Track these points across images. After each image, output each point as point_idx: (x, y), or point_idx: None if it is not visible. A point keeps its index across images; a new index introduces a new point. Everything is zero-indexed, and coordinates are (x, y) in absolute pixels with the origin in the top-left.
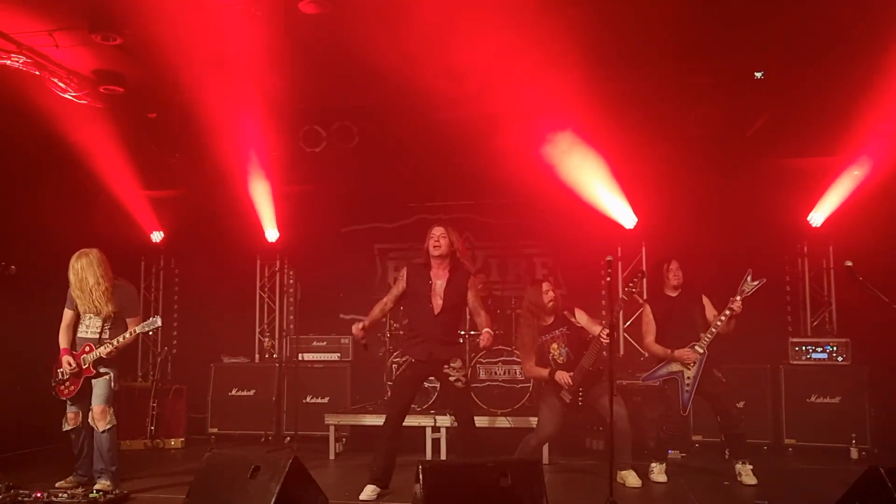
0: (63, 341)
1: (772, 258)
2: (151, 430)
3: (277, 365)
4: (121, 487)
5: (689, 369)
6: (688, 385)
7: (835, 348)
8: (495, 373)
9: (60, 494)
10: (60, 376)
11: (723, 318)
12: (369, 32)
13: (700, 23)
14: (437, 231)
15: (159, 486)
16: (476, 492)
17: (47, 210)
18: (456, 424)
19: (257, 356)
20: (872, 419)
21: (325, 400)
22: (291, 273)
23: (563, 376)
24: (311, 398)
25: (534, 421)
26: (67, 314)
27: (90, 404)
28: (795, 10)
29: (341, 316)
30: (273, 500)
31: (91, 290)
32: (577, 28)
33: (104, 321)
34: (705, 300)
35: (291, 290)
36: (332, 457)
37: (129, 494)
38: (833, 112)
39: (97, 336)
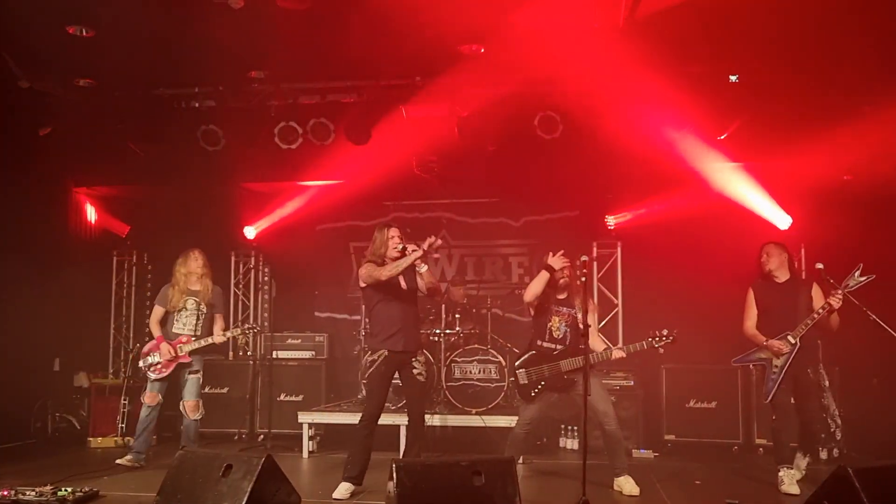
0: (156, 332)
1: (747, 259)
2: (122, 427)
3: (251, 362)
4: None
5: (777, 359)
6: (774, 374)
7: None
8: (470, 371)
9: (28, 492)
10: (154, 358)
11: (820, 310)
12: (346, 28)
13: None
14: (395, 232)
15: (130, 483)
16: (450, 490)
17: (17, 204)
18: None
19: (231, 353)
20: (842, 419)
21: (299, 398)
22: (266, 270)
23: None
24: (285, 396)
25: (507, 420)
26: (158, 310)
27: (172, 392)
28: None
29: (316, 314)
30: (245, 498)
31: (207, 287)
32: None
33: (199, 318)
34: (815, 289)
35: (266, 287)
36: (305, 455)
37: (99, 493)
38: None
39: (192, 332)
